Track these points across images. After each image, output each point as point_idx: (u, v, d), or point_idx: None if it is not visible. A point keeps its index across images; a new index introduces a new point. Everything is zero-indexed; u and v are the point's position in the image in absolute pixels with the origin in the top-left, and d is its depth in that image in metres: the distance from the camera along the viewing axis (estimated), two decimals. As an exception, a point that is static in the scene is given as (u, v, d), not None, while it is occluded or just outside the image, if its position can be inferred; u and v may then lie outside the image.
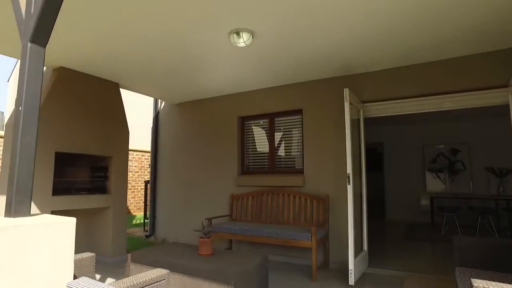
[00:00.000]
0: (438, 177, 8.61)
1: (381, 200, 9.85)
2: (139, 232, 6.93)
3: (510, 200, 6.27)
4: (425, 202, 8.52)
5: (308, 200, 4.63)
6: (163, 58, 4.09)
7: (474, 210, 6.45)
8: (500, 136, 8.11)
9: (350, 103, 4.08)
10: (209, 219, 4.75)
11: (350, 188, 3.63)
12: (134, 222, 8.82)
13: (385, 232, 7.10)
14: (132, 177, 10.56)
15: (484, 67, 3.90)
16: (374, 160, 12.19)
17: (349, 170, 3.65)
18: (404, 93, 4.27)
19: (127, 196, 10.39)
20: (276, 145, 5.26)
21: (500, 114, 7.74)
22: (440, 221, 7.70)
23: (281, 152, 5.23)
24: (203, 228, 3.38)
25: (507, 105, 4.04)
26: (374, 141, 9.52)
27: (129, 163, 10.27)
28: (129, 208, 10.40)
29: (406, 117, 8.18)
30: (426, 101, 4.29)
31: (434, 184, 8.64)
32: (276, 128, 5.30)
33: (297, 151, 5.08)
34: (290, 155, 5.16)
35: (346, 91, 3.76)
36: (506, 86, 3.86)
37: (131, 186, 10.44)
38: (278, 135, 5.27)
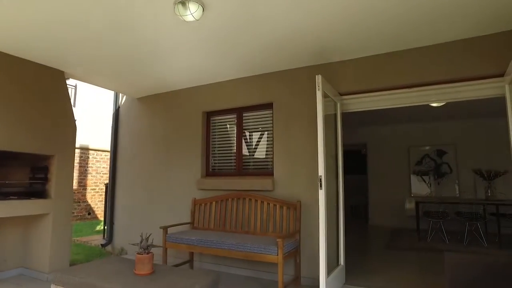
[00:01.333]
0: (424, 180, 8.16)
1: (365, 204, 9.37)
2: (97, 241, 6.22)
3: (499, 205, 5.82)
4: (410, 206, 8.05)
5: (278, 206, 4.04)
6: (112, 41, 3.47)
7: (462, 216, 5.98)
8: (487, 137, 7.71)
9: (326, 96, 3.53)
10: (165, 228, 4.11)
11: (322, 194, 3.06)
12: (98, 228, 8.09)
13: (367, 239, 6.58)
14: (101, 179, 9.81)
15: (478, 53, 3.39)
16: (358, 162, 11.77)
17: (321, 171, 3.07)
18: (388, 84, 3.73)
19: (95, 200, 9.68)
20: (244, 144, 4.66)
21: (488, 115, 7.37)
22: (426, 227, 7.22)
23: (250, 151, 4.63)
24: (141, 242, 2.76)
25: (502, 98, 3.56)
26: (358, 142, 9.03)
27: (98, 164, 9.54)
28: (96, 212, 9.64)
29: (390, 117, 7.72)
30: (413, 94, 3.76)
31: (420, 187, 8.18)
32: (244, 124, 4.70)
33: (267, 151, 4.49)
34: (259, 155, 4.56)
35: (319, 78, 3.19)
36: (501, 75, 3.36)
37: (99, 189, 9.69)
38: (246, 132, 4.67)
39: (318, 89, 3.17)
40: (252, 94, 4.52)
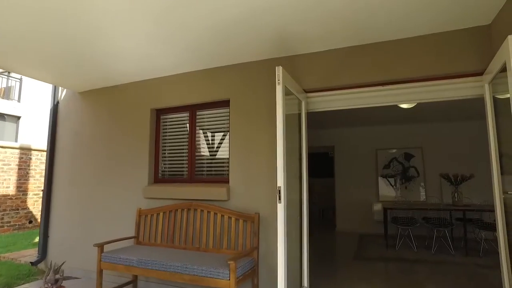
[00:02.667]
0: (391, 184, 7.95)
1: (333, 208, 9.07)
2: (29, 257, 5.40)
3: (466, 210, 5.64)
4: (378, 211, 7.81)
5: (233, 219, 3.51)
6: (45, 28, 2.79)
7: (430, 223, 5.74)
8: (453, 141, 7.62)
9: (289, 93, 3.05)
10: (100, 246, 3.46)
11: (281, 208, 2.56)
12: (37, 239, 7.16)
13: (334, 249, 6.20)
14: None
15: (454, 49, 3.04)
16: (326, 164, 11.52)
17: (280, 182, 2.57)
18: (358, 80, 3.30)
19: (38, 207, 8.66)
20: (197, 146, 4.09)
21: (455, 118, 7.27)
22: (393, 232, 6.99)
23: (204, 155, 4.07)
24: (47, 274, 2.13)
25: (470, 101, 3.25)
26: (325, 145, 8.71)
27: (42, 166, 8.56)
28: (39, 221, 8.63)
29: (359, 118, 7.43)
30: (384, 93, 3.37)
31: (387, 191, 7.96)
32: (198, 124, 4.13)
33: (223, 155, 3.95)
34: (213, 159, 4.01)
35: (279, 70, 2.69)
36: (480, 74, 3.03)
37: (39, 191, 8.67)
38: (200, 133, 4.11)
39: (278, 83, 2.67)
40: (206, 90, 3.96)
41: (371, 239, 6.96)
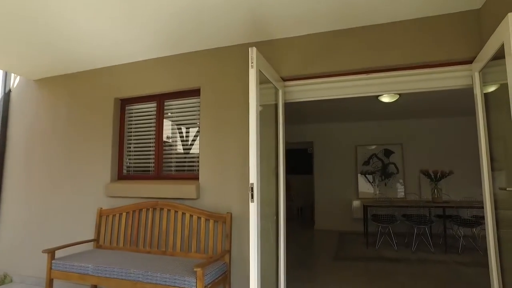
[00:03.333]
0: (371, 181, 7.81)
1: (312, 205, 8.88)
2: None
3: (445, 207, 5.53)
4: (357, 208, 7.66)
5: (203, 219, 3.18)
6: None
7: (410, 220, 5.60)
8: (432, 137, 7.56)
9: (265, 81, 2.76)
10: (50, 252, 3.05)
11: (254, 207, 2.25)
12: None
13: (313, 249, 5.98)
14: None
15: (444, 34, 2.82)
16: (304, 162, 11.32)
17: (253, 178, 2.26)
18: (340, 67, 3.03)
19: None
20: (165, 140, 3.73)
21: (434, 114, 7.19)
22: (373, 230, 6.85)
23: (172, 149, 3.71)
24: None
25: (461, 95, 3.05)
26: (304, 140, 8.48)
27: None
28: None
29: (338, 114, 7.23)
30: (367, 82, 3.12)
31: (367, 188, 7.82)
32: (166, 115, 3.76)
33: (193, 149, 3.60)
34: (183, 154, 3.66)
35: (253, 51, 2.37)
36: (470, 62, 2.83)
37: None
38: (168, 125, 3.75)
39: (252, 66, 2.36)
40: (175, 78, 3.60)
41: (350, 237, 6.78)
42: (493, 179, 2.59)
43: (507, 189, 1.95)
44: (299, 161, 11.36)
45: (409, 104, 6.15)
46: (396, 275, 4.23)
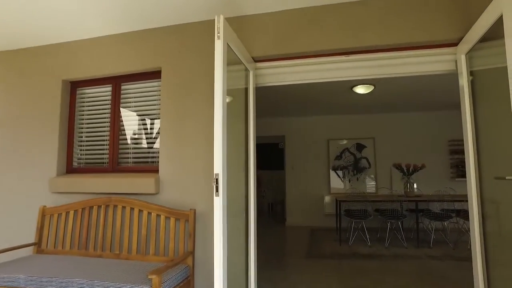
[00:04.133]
0: (343, 175, 7.69)
1: (282, 203, 8.66)
2: None
3: (418, 201, 5.45)
4: (329, 203, 7.51)
5: (163, 217, 2.80)
6: None
7: (384, 215, 5.48)
8: (405, 131, 7.53)
9: (235, 62, 2.42)
10: (-22, 258, 2.56)
11: (219, 202, 1.91)
12: None
13: (284, 246, 5.73)
14: None
15: (427, 12, 2.60)
16: (275, 157, 11.11)
17: (218, 168, 1.92)
18: (318, 47, 2.75)
19: None
20: (121, 128, 3.30)
21: (405, 109, 7.16)
22: (345, 225, 6.72)
23: (130, 138, 3.29)
24: None
25: (444, 83, 2.86)
26: (275, 134, 8.21)
27: None
28: None
29: (311, 107, 7.01)
30: (343, 65, 2.86)
31: (339, 183, 7.69)
32: (123, 100, 3.33)
33: (154, 138, 3.21)
34: (141, 144, 3.25)
35: (220, 20, 2.02)
36: (455, 44, 2.64)
37: None
38: (125, 112, 3.32)
39: (218, 38, 2.01)
40: (132, 57, 3.18)
41: (323, 233, 6.60)
42: (480, 169, 2.40)
43: (507, 178, 1.73)
44: (271, 156, 11.13)
45: (383, 97, 6.02)
46: (370, 272, 4.05)
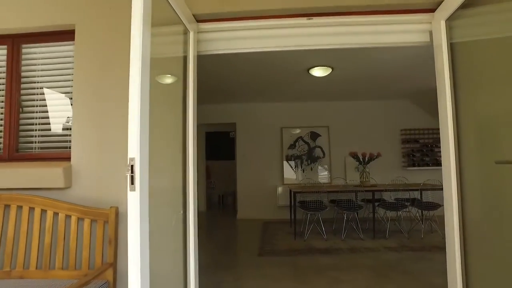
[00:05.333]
0: (296, 165, 7.36)
1: (234, 194, 8.18)
2: None
3: (375, 191, 5.25)
4: (282, 195, 7.15)
5: (75, 219, 2.14)
6: None
7: (340, 206, 5.21)
8: (360, 120, 7.37)
9: (167, 22, 1.83)
10: None
11: (135, 198, 1.33)
12: None
13: (234, 243, 5.25)
14: None
15: (403, -31, 2.20)
16: (226, 146, 10.56)
17: (133, 151, 1.34)
18: (275, 5, 2.24)
19: None
20: (22, 104, 2.54)
21: (361, 98, 6.97)
22: (299, 217, 6.39)
23: (34, 117, 2.54)
24: None
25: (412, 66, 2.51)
26: (226, 122, 7.65)
27: None
28: None
29: (263, 93, 6.54)
30: (308, 30, 2.39)
31: (293, 173, 7.36)
32: (25, 68, 2.57)
33: (67, 118, 2.50)
34: (49, 124, 2.53)
35: None
36: (432, 10, 2.27)
37: None
38: (28, 81, 2.56)
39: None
40: (37, 9, 2.43)
41: (276, 226, 6.22)
42: (460, 156, 2.07)
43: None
44: (221, 146, 10.57)
45: (340, 82, 5.71)
46: (328, 269, 3.71)
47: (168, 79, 2.13)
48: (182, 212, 2.14)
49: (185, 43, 2.32)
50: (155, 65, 1.68)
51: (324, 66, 4.79)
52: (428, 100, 6.82)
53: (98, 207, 2.16)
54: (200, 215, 7.94)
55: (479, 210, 1.94)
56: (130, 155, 1.31)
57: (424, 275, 3.46)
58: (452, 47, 2.13)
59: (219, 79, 5.46)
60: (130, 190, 1.31)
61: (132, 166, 1.31)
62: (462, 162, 2.05)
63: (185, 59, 2.31)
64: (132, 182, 1.31)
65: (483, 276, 1.93)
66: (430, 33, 2.34)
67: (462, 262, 2.03)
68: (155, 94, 1.63)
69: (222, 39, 2.45)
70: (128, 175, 1.31)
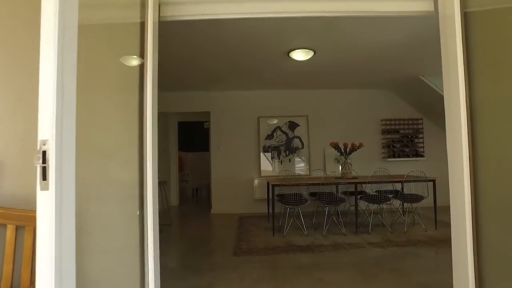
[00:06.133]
0: (273, 156, 7.01)
1: (208, 187, 7.74)
2: None
3: (357, 183, 4.98)
4: (259, 187, 6.79)
5: (-4, 225, 1.66)
6: None
7: (321, 199, 4.90)
8: (340, 109, 7.10)
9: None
10: None
11: (48, 200, 0.90)
12: None
13: (208, 241, 4.85)
14: None
15: None
16: (201, 137, 10.06)
17: (47, 131, 0.90)
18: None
19: None
20: None
21: (341, 86, 6.69)
22: (278, 210, 6.06)
23: None
24: None
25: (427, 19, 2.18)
26: (198, 111, 7.17)
27: None
28: None
29: (239, 79, 6.13)
30: None
31: (270, 165, 7.01)
32: None
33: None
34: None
35: None
36: (439, -30, 1.92)
37: None
38: None
39: None
40: None
41: (253, 222, 5.86)
42: (473, 141, 1.75)
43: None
44: (195, 136, 10.08)
45: (321, 69, 5.37)
46: (310, 268, 3.39)
47: (114, 50, 1.68)
48: (138, 212, 1.71)
49: (143, 5, 1.86)
50: (96, 33, 1.24)
51: (306, 48, 4.41)
52: (409, 91, 6.63)
53: (25, 208, 1.68)
54: (172, 210, 7.48)
55: (498, 206, 1.64)
56: (40, 137, 0.87)
57: (412, 273, 3.21)
58: (466, 17, 1.79)
59: (192, 63, 4.97)
60: (41, 189, 0.87)
61: (44, 153, 0.87)
62: (476, 152, 1.73)
63: (142, 26, 1.86)
64: (45, 177, 0.87)
65: (498, 274, 1.64)
66: (435, 0, 2.01)
67: (474, 257, 1.73)
68: (96, 68, 1.19)
69: (189, 2, 2.01)
70: (38, 166, 0.87)
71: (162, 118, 7.46)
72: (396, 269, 3.33)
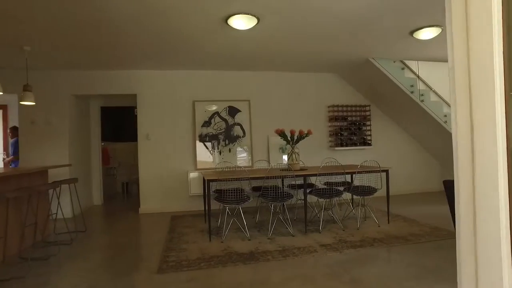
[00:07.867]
0: (212, 146, 6.18)
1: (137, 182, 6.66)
2: None
3: (307, 175, 4.36)
4: (195, 182, 5.92)
5: None
6: None
7: (266, 197, 4.20)
8: (282, 94, 6.47)
9: None
10: None
11: None
12: None
13: (126, 250, 3.89)
14: None
15: None
16: (132, 125, 8.82)
17: None
18: None
19: None
20: None
21: (285, 69, 5.99)
22: (216, 207, 5.28)
23: None
24: None
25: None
26: (123, 93, 6.03)
27: None
28: None
29: (168, 56, 5.16)
30: None
31: (208, 156, 6.16)
32: None
33: None
34: None
35: None
36: None
37: None
38: None
39: None
40: None
41: (187, 222, 4.99)
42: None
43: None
44: (124, 125, 8.80)
45: (266, 40, 4.60)
46: (255, 287, 2.66)
47: None
48: None
49: None
50: None
51: (248, 14, 3.62)
52: (358, 75, 6.21)
53: None
54: (93, 210, 6.28)
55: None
56: None
57: (380, 285, 2.64)
58: None
59: (110, 36, 3.88)
60: None
61: None
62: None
63: None
64: None
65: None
66: None
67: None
68: None
69: None
70: None
71: (80, 101, 6.16)
72: (358, 280, 2.74)
